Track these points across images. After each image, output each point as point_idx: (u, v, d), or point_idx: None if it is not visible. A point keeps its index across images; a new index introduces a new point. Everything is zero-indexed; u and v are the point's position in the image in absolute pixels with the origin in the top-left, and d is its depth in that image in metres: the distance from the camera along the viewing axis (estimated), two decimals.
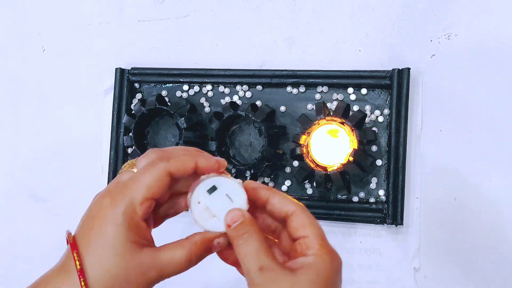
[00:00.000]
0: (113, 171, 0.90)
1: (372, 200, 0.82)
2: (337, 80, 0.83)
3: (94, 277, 0.52)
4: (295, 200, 0.56)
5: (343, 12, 0.86)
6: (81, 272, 0.52)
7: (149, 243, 0.55)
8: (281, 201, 0.56)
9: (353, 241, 0.83)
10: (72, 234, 0.55)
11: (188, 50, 0.91)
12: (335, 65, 0.85)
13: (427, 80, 0.82)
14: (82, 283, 0.51)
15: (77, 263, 0.52)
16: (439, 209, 0.80)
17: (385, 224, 0.80)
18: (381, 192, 0.81)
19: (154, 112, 0.87)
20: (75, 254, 0.52)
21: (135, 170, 0.57)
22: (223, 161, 0.57)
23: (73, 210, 0.93)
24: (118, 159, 0.90)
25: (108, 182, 0.90)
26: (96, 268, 0.52)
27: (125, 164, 0.58)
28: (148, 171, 0.54)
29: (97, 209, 0.54)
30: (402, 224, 0.80)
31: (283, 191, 0.84)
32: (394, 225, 0.80)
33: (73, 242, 0.53)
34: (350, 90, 0.83)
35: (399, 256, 0.81)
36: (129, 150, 0.88)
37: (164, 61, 0.92)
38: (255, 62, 0.88)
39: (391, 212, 0.80)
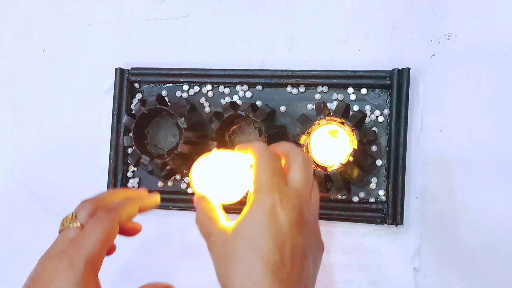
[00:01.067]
0: (113, 171, 0.90)
1: (372, 200, 0.82)
2: (337, 80, 0.83)
3: None
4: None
5: (343, 12, 0.86)
6: None
7: None
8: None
9: (353, 241, 0.83)
10: None
11: (188, 50, 0.91)
12: (335, 65, 0.85)
13: (427, 80, 0.82)
14: None
15: None
16: (439, 209, 0.80)
17: (385, 224, 0.80)
18: (381, 192, 0.81)
19: (154, 112, 0.87)
20: None
21: (77, 224, 0.59)
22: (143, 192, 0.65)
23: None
24: (118, 159, 0.90)
25: (108, 182, 0.90)
26: None
27: (64, 219, 0.59)
28: (98, 226, 0.57)
29: (54, 271, 0.55)
30: (402, 224, 0.79)
31: None
32: (394, 225, 0.80)
33: None
34: (350, 90, 0.83)
35: (399, 256, 0.81)
36: (129, 150, 0.88)
37: (164, 61, 0.92)
38: (255, 62, 0.88)
39: (391, 212, 0.80)
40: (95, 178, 0.93)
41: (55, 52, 0.97)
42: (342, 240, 0.83)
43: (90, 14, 0.96)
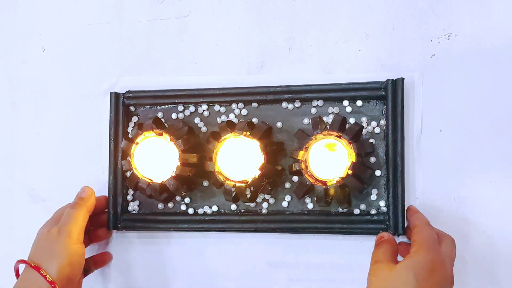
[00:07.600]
0: (113, 195, 0.89)
1: (373, 211, 0.82)
2: (332, 93, 0.83)
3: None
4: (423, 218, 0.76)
5: (343, 12, 0.86)
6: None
7: None
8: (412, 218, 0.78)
9: (353, 241, 0.83)
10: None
11: (188, 50, 0.91)
12: (335, 65, 0.85)
13: (427, 80, 0.82)
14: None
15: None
16: (439, 209, 0.81)
17: None
18: (382, 203, 0.81)
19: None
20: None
21: None
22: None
23: None
24: (117, 183, 0.89)
25: (108, 182, 0.90)
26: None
27: None
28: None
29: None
30: (404, 235, 0.80)
31: (284, 207, 0.85)
32: (396, 236, 0.80)
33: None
34: (346, 102, 0.83)
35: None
36: (128, 174, 0.88)
37: (164, 61, 0.92)
38: (255, 62, 0.88)
39: (392, 223, 0.80)
40: (95, 178, 0.93)
41: (55, 52, 0.97)
42: (343, 240, 0.84)
43: (90, 14, 0.96)
